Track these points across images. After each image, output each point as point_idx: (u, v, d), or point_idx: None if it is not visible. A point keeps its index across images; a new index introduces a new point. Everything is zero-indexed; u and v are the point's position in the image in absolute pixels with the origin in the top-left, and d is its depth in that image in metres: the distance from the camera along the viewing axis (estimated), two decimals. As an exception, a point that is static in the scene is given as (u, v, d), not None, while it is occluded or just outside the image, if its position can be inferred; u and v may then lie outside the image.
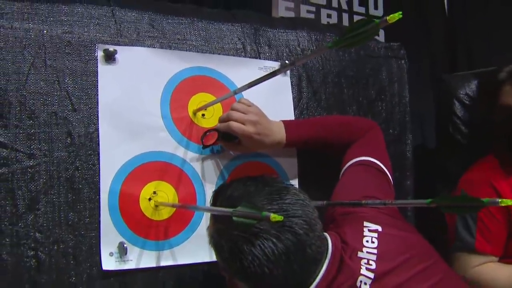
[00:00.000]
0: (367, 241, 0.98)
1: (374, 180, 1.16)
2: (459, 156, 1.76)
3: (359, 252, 0.96)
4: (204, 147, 1.15)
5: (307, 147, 1.23)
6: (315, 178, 1.28)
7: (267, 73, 0.93)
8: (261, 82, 0.92)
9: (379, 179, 1.17)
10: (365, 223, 1.02)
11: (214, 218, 0.96)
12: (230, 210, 0.74)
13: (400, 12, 0.61)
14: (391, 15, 0.61)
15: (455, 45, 2.57)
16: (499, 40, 2.61)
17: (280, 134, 1.16)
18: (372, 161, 1.17)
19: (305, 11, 2.21)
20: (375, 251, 0.96)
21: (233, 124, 1.10)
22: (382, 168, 1.18)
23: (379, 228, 1.01)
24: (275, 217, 0.66)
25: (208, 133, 1.14)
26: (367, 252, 0.96)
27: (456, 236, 1.41)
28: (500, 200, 0.68)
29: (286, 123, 1.18)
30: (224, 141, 1.14)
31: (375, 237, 0.99)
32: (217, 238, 0.92)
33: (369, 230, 1.01)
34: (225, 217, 0.81)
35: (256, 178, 0.97)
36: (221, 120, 1.13)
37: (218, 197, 0.95)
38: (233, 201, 0.87)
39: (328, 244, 0.95)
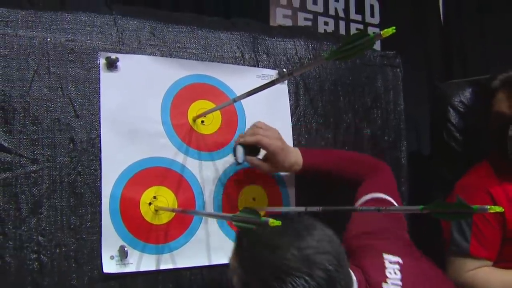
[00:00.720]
0: (390, 273, 1.00)
1: (387, 214, 1.18)
2: (453, 163, 1.79)
3: (383, 284, 0.98)
4: (238, 164, 1.16)
5: (318, 175, 1.25)
6: (311, 184, 1.31)
7: (265, 81, 0.96)
8: (260, 91, 0.95)
9: (392, 213, 1.19)
10: (385, 255, 1.04)
11: (240, 260, 0.92)
12: (230, 215, 0.77)
13: (394, 27, 0.64)
14: (385, 30, 0.64)
15: (451, 53, 2.60)
16: (494, 49, 2.64)
17: (297, 158, 1.20)
18: (384, 198, 1.20)
19: (302, 19, 2.24)
20: (399, 282, 0.98)
21: (263, 138, 1.13)
22: (394, 204, 1.20)
23: (400, 260, 1.03)
24: (273, 222, 0.68)
25: (237, 147, 1.15)
26: (391, 283, 0.98)
27: (451, 241, 1.43)
28: (489, 207, 0.70)
29: (302, 150, 1.22)
30: (249, 155, 1.16)
31: (398, 269, 1.01)
32: (244, 277, 0.90)
33: (390, 262, 1.03)
34: (252, 257, 0.82)
35: (281, 216, 0.98)
36: (248, 134, 1.16)
37: (243, 238, 0.93)
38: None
39: (353, 278, 0.95)
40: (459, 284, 1.39)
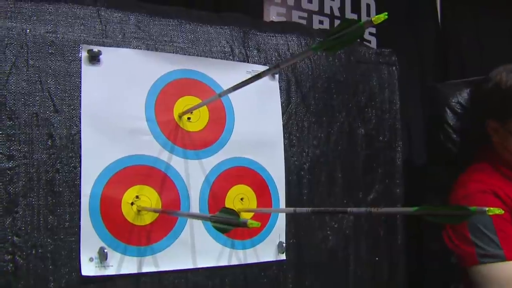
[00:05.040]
0: None
1: None
2: (449, 165, 1.75)
3: None
4: None
5: None
6: (301, 184, 1.26)
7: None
8: (246, 85, 0.90)
9: None
10: None
11: None
12: (208, 216, 0.72)
13: (386, 13, 0.60)
14: (376, 16, 0.60)
15: (447, 53, 2.58)
16: (491, 49, 2.61)
17: None
18: None
19: (297, 17, 2.20)
20: None
21: None
22: None
23: None
24: (252, 223, 0.64)
25: None
26: None
27: (478, 253, 1.39)
28: (487, 208, 0.66)
29: None
30: None
31: None
32: None
33: None
34: None
35: None
36: None
37: None
38: None
39: None
40: None
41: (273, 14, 2.13)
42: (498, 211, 0.65)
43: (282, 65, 0.81)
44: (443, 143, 1.77)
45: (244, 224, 0.63)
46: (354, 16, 2.36)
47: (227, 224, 0.68)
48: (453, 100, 1.78)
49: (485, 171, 1.51)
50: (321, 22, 2.26)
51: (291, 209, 0.99)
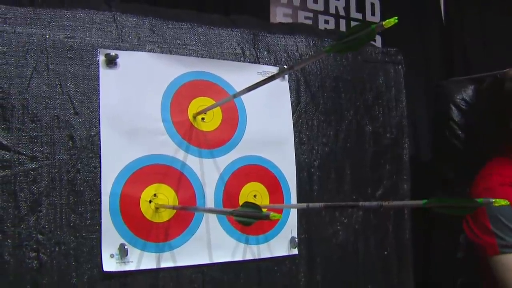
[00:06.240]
0: None
1: None
2: (455, 161, 1.78)
3: None
4: None
5: None
6: (313, 180, 1.30)
7: (265, 77, 0.94)
8: (260, 86, 0.94)
9: None
10: None
11: None
12: (230, 210, 0.76)
13: (396, 17, 0.63)
14: (387, 20, 0.63)
15: (452, 51, 2.60)
16: (495, 46, 2.63)
17: None
18: None
19: (302, 17, 2.23)
20: None
21: None
22: None
23: None
24: (274, 215, 0.67)
25: None
26: None
27: (499, 243, 1.42)
28: (494, 200, 0.69)
29: None
30: None
31: None
32: None
33: None
34: None
35: None
36: None
37: None
38: None
39: None
40: None
41: (279, 15, 2.16)
42: (503, 202, 0.69)
43: (296, 67, 0.85)
44: (449, 140, 1.80)
45: (267, 217, 0.67)
46: (359, 16, 2.39)
47: (249, 218, 0.72)
48: (458, 97, 1.81)
49: (504, 164, 1.54)
50: (326, 21, 2.29)
51: (304, 205, 1.03)
